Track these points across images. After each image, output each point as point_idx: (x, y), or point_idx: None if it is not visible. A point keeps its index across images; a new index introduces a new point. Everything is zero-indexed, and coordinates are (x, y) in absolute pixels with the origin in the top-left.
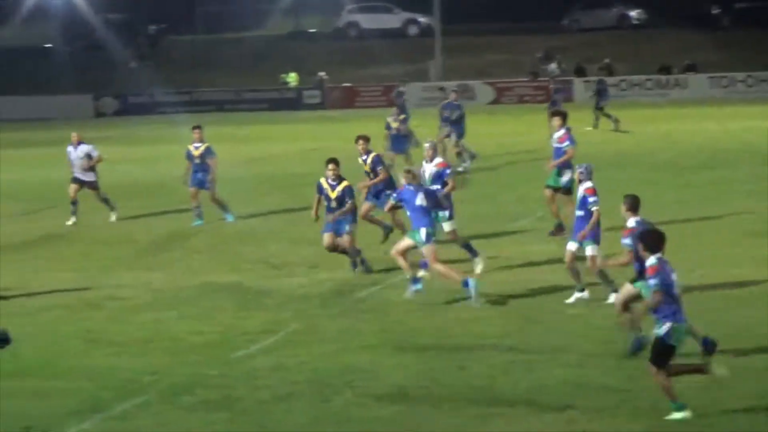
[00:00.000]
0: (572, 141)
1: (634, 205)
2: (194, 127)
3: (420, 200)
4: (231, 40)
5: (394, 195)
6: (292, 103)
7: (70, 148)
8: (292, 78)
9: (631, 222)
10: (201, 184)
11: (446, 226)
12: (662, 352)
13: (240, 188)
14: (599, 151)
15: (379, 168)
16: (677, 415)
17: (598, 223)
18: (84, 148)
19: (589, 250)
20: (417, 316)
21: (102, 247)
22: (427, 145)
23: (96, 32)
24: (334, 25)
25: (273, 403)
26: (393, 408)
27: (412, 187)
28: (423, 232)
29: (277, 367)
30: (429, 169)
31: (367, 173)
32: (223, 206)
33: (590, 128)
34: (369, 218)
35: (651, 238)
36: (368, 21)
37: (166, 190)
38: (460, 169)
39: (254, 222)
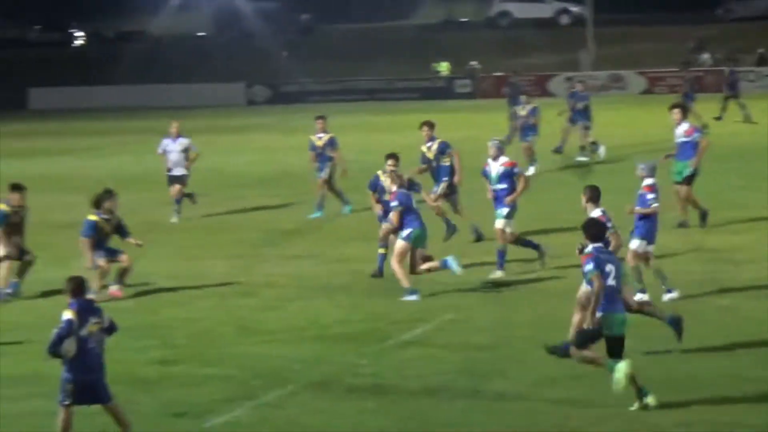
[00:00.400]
0: (700, 132)
1: (594, 196)
2: (317, 118)
3: (414, 202)
4: (383, 29)
5: (395, 203)
6: (443, 92)
7: (167, 140)
8: (444, 67)
9: (596, 212)
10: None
11: (498, 223)
12: (588, 339)
13: None
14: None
15: (449, 150)
16: (619, 369)
17: (653, 221)
18: (183, 141)
19: (634, 245)
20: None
21: (254, 234)
22: (490, 143)
23: (248, 21)
24: (486, 14)
25: (423, 394)
26: (545, 397)
27: (403, 190)
28: (407, 231)
29: (428, 357)
30: (495, 168)
31: (430, 161)
32: (341, 197)
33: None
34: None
35: (594, 229)
36: (520, 10)
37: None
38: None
39: None
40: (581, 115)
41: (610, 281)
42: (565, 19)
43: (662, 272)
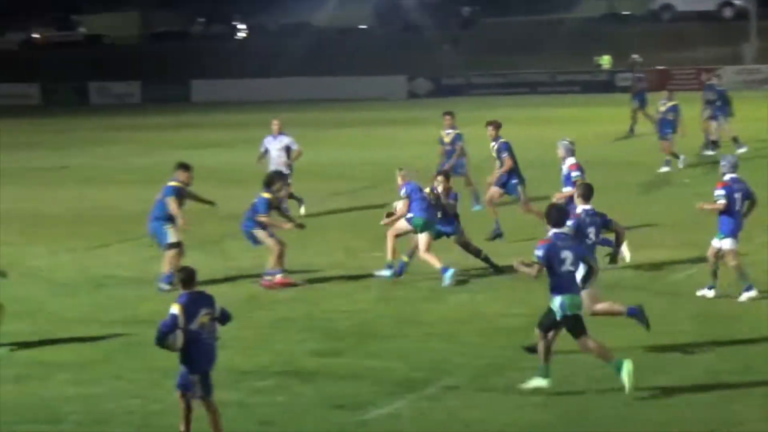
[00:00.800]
0: None
1: (585, 193)
2: (445, 113)
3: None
4: (545, 22)
5: (410, 216)
6: (604, 85)
7: (268, 139)
8: (606, 61)
9: (579, 209)
10: (454, 170)
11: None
12: (551, 322)
13: (552, 172)
14: None
15: (504, 155)
16: (536, 382)
17: (736, 217)
18: (283, 139)
19: (722, 243)
20: (731, 302)
21: None
22: (559, 143)
23: (410, 13)
24: (648, 7)
25: (586, 388)
26: (706, 395)
27: (413, 183)
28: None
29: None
30: (564, 169)
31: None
32: (475, 194)
33: None
34: (492, 205)
35: (556, 214)
36: (682, 3)
37: (475, 172)
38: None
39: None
40: (719, 110)
41: (567, 267)
42: (728, 12)
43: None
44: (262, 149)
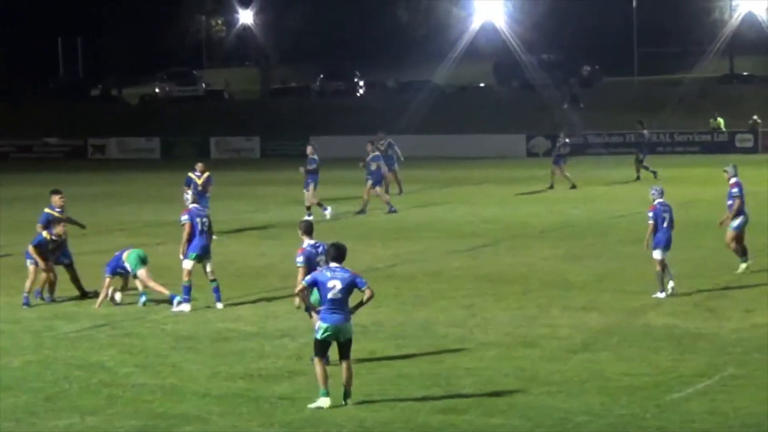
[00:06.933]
0: None
1: (308, 229)
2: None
3: None
4: (665, 82)
5: None
6: (724, 146)
7: None
8: (719, 124)
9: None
10: None
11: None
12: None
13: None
14: None
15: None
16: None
17: None
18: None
19: None
20: None
21: (536, 285)
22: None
23: (529, 72)
24: None
25: None
26: None
27: None
28: None
29: (713, 412)
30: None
31: None
32: None
33: None
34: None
35: (335, 251)
36: None
37: (599, 230)
38: None
39: (686, 265)
40: None
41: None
42: None
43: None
44: None
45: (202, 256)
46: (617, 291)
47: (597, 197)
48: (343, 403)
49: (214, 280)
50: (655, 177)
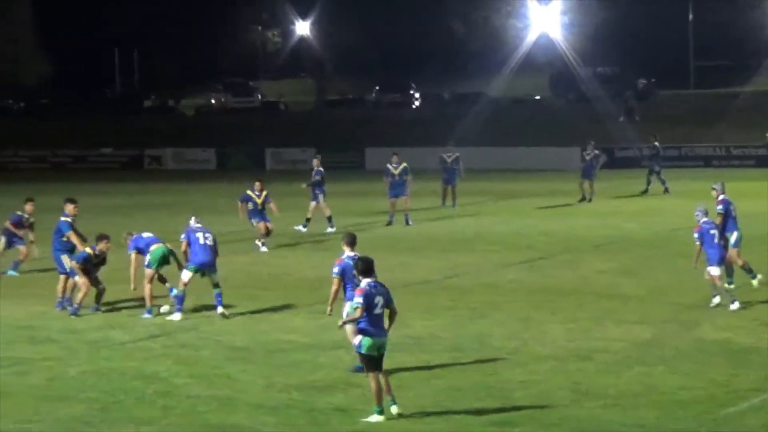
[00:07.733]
0: None
1: (350, 241)
2: None
3: None
4: (720, 96)
5: None
6: None
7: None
8: None
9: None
10: None
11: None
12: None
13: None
14: None
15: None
16: (374, 418)
17: None
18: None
19: None
20: None
21: (593, 298)
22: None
23: (585, 84)
24: None
25: None
26: None
27: None
28: None
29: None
30: None
31: None
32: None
33: None
34: None
35: (363, 265)
36: None
37: (654, 243)
38: None
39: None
40: None
41: (375, 310)
42: None
43: None
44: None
45: (204, 270)
46: (671, 304)
47: (651, 210)
48: (392, 406)
49: (217, 285)
50: (666, 192)
